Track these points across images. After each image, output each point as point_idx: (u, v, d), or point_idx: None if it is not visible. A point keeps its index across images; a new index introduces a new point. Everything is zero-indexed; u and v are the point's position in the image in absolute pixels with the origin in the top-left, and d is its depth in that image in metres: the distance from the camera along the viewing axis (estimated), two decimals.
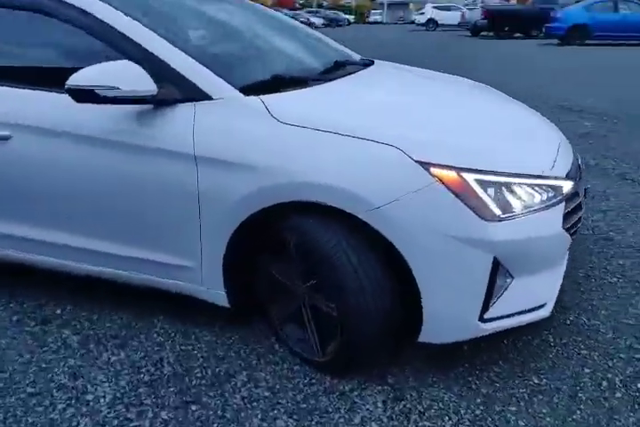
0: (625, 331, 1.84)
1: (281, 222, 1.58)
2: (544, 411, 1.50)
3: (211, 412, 1.54)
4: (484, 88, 2.47)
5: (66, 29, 1.73)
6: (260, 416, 1.52)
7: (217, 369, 1.73)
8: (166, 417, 1.53)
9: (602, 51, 12.97)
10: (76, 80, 1.51)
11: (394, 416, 1.50)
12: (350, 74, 2.08)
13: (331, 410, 1.53)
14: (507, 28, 19.55)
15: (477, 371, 1.67)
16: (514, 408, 1.51)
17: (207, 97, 1.59)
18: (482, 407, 1.51)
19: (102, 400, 1.60)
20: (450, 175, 1.39)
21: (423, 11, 30.63)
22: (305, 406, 1.55)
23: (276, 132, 1.52)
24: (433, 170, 1.39)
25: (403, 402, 1.54)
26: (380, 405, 1.54)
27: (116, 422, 1.51)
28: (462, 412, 1.50)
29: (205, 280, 1.76)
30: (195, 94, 1.60)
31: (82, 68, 1.54)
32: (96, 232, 1.83)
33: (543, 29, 16.66)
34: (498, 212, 1.40)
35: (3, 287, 2.26)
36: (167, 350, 1.83)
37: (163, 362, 1.77)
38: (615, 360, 1.70)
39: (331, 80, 1.91)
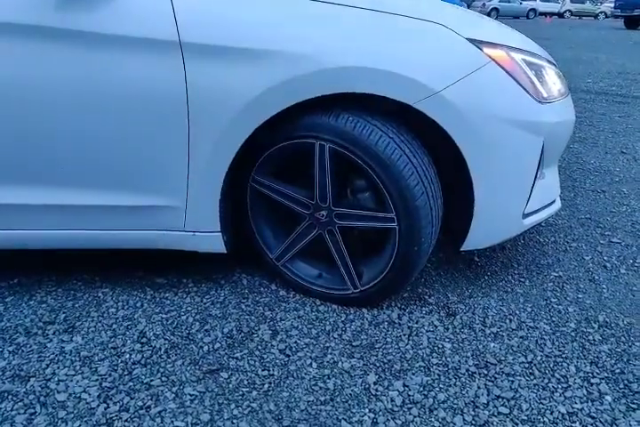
0: (589, 224, 1.99)
1: (300, 129, 1.27)
2: (580, 296, 1.52)
3: (252, 374, 1.19)
4: None
5: None
6: (315, 365, 1.22)
7: (225, 330, 1.34)
8: (195, 392, 1.13)
9: None
10: None
11: (458, 331, 1.35)
12: None
13: (391, 340, 1.31)
14: None
15: (501, 276, 1.62)
16: (555, 300, 1.49)
17: None
18: (529, 305, 1.46)
19: (88, 397, 1.10)
20: (501, 54, 1.27)
21: None
22: (359, 342, 1.30)
23: (294, 8, 1.20)
24: (485, 49, 1.25)
25: (458, 316, 1.41)
26: (437, 323, 1.37)
27: (128, 414, 1.06)
28: (517, 313, 1.42)
29: (192, 221, 1.35)
30: None
31: None
32: (20, 174, 1.25)
33: None
34: (545, 93, 1.34)
35: None
36: (143, 323, 1.36)
37: (147, 336, 1.31)
38: (600, 246, 1.82)
39: None
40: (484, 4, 25.26)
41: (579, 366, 1.24)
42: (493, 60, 1.25)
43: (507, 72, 1.26)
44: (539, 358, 1.27)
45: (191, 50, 1.16)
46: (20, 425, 1.03)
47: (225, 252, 1.42)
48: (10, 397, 1.10)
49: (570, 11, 30.91)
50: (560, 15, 30.46)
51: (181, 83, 1.17)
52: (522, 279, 1.61)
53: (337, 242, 1.39)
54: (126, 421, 1.04)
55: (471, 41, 1.24)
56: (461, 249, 1.41)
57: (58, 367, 1.19)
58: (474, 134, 1.24)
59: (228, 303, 1.46)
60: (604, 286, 1.58)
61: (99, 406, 1.08)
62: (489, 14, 25.18)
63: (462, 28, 1.27)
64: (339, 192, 1.35)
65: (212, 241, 1.39)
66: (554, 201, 1.60)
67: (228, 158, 1.26)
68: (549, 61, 1.46)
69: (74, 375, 1.17)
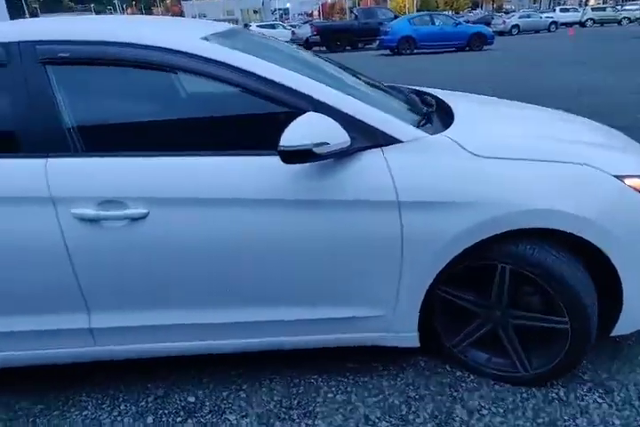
0: None
1: (488, 252, 1.63)
2: None
3: None
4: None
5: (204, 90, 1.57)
6: None
7: (428, 410, 1.70)
8: None
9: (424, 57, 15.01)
10: (289, 141, 1.41)
11: (621, 407, 1.67)
12: (451, 107, 2.07)
13: (567, 417, 1.64)
14: (338, 43, 21.30)
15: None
16: None
17: (396, 141, 1.58)
18: None
19: None
20: (638, 183, 1.62)
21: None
22: (542, 420, 1.64)
23: (479, 167, 1.57)
24: (627, 181, 1.61)
25: (615, 393, 1.73)
26: (600, 401, 1.70)
27: None
28: None
29: (396, 325, 1.72)
30: (381, 140, 1.57)
31: (227, 127, 1.65)
32: (272, 300, 1.67)
33: (377, 42, 18.56)
34: None
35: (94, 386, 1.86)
36: (362, 407, 1.73)
37: (371, 418, 1.68)
38: None
39: (455, 115, 1.92)
40: (504, 22, 25.62)
41: None
42: (634, 188, 1.61)
43: None
44: None
45: (405, 205, 1.55)
46: None
47: (418, 346, 1.79)
48: None
49: (592, 19, 30.93)
50: (582, 24, 30.56)
51: (397, 228, 1.56)
52: None
53: (510, 336, 1.74)
54: None
55: (616, 177, 1.60)
56: (611, 335, 1.75)
57: None
58: (621, 251, 1.58)
59: (419, 385, 1.82)
60: None
61: None
62: (510, 31, 25.51)
63: (608, 165, 1.62)
64: (512, 296, 1.70)
65: (410, 339, 1.76)
66: None
67: (429, 280, 1.64)
68: None
69: None
